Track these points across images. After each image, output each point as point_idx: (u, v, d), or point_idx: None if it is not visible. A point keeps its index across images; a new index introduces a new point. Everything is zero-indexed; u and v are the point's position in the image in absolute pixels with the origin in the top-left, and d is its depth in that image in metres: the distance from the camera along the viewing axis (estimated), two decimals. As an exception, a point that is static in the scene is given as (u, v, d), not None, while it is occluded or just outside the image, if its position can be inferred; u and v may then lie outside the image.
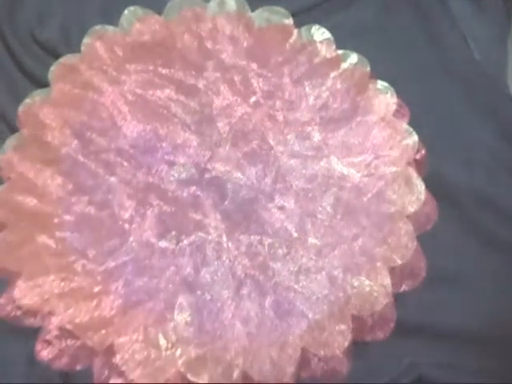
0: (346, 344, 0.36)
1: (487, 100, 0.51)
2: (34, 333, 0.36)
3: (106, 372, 0.35)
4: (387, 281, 0.39)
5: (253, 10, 0.49)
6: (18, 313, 0.36)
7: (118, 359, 0.35)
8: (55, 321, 0.36)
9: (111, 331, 0.36)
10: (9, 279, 0.38)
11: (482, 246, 0.45)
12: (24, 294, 0.36)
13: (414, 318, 0.41)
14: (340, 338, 0.37)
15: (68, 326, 0.35)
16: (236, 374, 0.36)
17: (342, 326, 0.37)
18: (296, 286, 0.39)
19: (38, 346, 0.35)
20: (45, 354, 0.35)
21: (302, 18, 0.52)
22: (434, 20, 0.54)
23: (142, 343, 0.36)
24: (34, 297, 0.37)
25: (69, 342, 0.35)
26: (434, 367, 0.40)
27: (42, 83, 0.47)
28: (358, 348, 0.37)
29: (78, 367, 0.35)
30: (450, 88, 0.51)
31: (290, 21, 0.49)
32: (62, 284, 0.38)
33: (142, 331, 0.37)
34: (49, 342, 0.35)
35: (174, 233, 0.41)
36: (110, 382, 0.34)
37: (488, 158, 0.48)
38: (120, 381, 0.34)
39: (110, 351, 0.35)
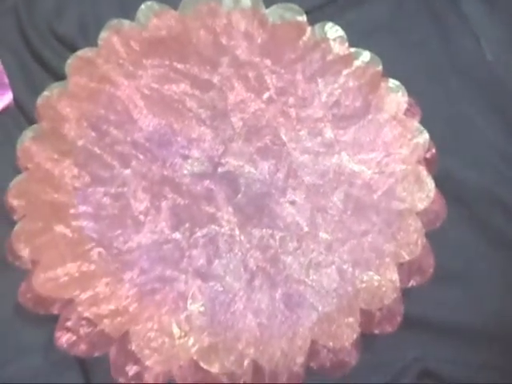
0: (355, 336, 0.37)
1: (498, 101, 0.51)
2: (52, 320, 0.37)
3: (122, 359, 0.36)
4: (395, 276, 0.40)
5: (267, 7, 0.50)
6: (37, 300, 0.37)
7: (133, 346, 0.36)
8: (73, 308, 0.37)
9: (127, 319, 0.37)
10: (29, 267, 0.39)
11: (491, 245, 0.45)
12: (42, 282, 0.37)
13: (421, 313, 0.42)
14: (349, 330, 0.38)
15: (86, 314, 0.36)
16: (247, 363, 0.37)
17: (351, 319, 0.38)
18: (306, 280, 0.40)
19: (58, 333, 0.36)
20: (63, 340, 0.36)
21: (316, 15, 0.52)
22: (446, 20, 0.55)
23: (157, 331, 0.37)
24: (52, 285, 0.38)
25: (87, 329, 0.36)
26: (439, 362, 0.41)
27: (59, 75, 0.48)
28: (365, 340, 0.38)
29: (96, 354, 0.36)
30: (461, 88, 0.52)
31: (303, 18, 0.49)
32: (79, 272, 0.39)
33: (156, 320, 0.38)
34: (67, 329, 0.36)
35: (187, 225, 0.42)
36: (126, 368, 0.35)
37: (497, 159, 0.49)
38: (136, 367, 0.35)
39: (126, 339, 0.36)
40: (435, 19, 0.55)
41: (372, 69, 0.48)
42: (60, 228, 0.40)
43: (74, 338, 0.36)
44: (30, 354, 0.39)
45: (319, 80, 0.48)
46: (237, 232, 0.42)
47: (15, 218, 0.41)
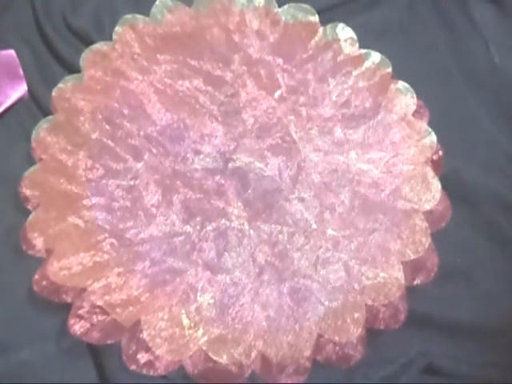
0: (360, 331, 0.38)
1: (505, 104, 0.52)
2: (64, 307, 0.38)
3: (134, 347, 0.37)
4: (400, 274, 0.41)
5: (280, 6, 0.51)
6: (52, 288, 0.38)
7: (145, 335, 0.36)
8: (86, 297, 0.37)
9: (138, 309, 0.38)
10: (43, 256, 0.39)
11: (495, 245, 0.46)
12: (56, 271, 0.38)
13: (426, 310, 0.43)
14: (354, 325, 0.39)
15: (99, 303, 0.37)
16: (254, 355, 0.38)
17: (357, 315, 0.39)
18: (313, 275, 0.41)
19: (71, 321, 0.37)
20: (77, 328, 0.37)
21: (328, 15, 0.53)
22: (456, 24, 0.56)
23: (168, 322, 0.38)
24: (66, 274, 0.38)
25: (100, 317, 0.37)
26: (442, 358, 0.41)
27: (74, 69, 0.48)
28: (370, 336, 0.39)
29: (108, 341, 0.37)
30: (470, 91, 0.52)
31: (315, 18, 0.50)
32: (92, 262, 0.39)
33: (166, 310, 0.38)
34: (81, 317, 0.37)
35: (198, 219, 0.43)
36: (138, 356, 0.36)
37: (504, 161, 0.49)
38: (147, 355, 0.36)
39: (137, 328, 0.37)
40: (445, 23, 0.56)
41: (382, 70, 0.48)
42: (73, 218, 0.41)
43: (88, 325, 0.37)
44: (43, 339, 0.40)
45: (330, 80, 0.48)
46: (246, 227, 0.43)
47: (29, 207, 0.42)
